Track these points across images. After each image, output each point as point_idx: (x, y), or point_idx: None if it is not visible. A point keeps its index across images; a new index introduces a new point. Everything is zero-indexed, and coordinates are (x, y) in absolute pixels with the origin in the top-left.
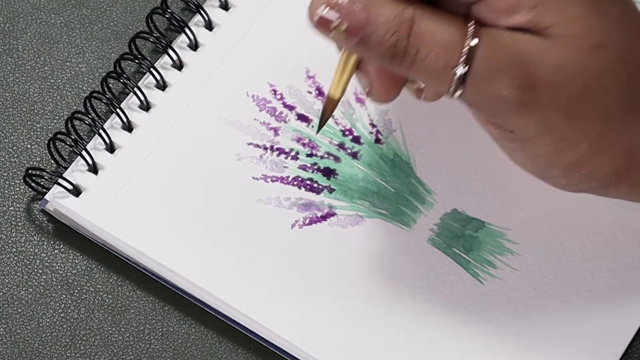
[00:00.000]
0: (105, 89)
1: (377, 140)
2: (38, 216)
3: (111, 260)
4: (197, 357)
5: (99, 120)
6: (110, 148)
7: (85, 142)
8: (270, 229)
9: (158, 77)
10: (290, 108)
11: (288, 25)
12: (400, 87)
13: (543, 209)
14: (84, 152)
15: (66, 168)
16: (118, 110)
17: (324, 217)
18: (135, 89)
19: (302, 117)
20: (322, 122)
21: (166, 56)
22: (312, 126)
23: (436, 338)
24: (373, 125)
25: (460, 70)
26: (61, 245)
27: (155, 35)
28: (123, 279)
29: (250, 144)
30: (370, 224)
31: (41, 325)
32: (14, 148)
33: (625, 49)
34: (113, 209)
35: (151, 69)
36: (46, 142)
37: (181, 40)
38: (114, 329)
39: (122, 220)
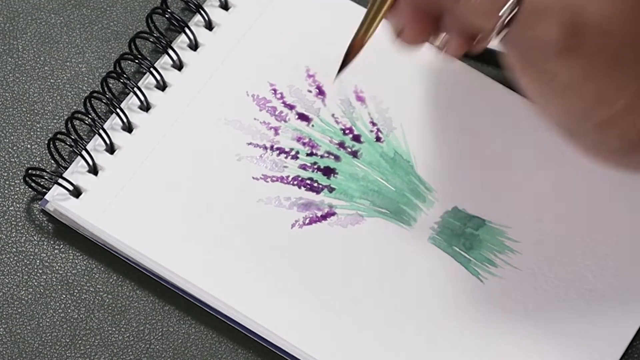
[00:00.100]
0: (105, 89)
1: (378, 139)
2: (38, 216)
3: (111, 260)
4: (197, 357)
5: (99, 121)
6: (110, 149)
7: (85, 142)
8: (270, 229)
9: (158, 77)
10: (291, 107)
11: (288, 25)
12: (430, 31)
13: (543, 207)
14: (84, 152)
15: (66, 168)
16: (118, 110)
17: (324, 217)
18: (135, 89)
19: (302, 116)
20: (344, 65)
21: (166, 56)
22: (313, 125)
23: (436, 337)
24: (373, 124)
25: (510, 8)
26: (61, 245)
27: (155, 35)
28: (123, 279)
29: (250, 143)
30: (371, 223)
31: (41, 325)
32: (14, 148)
33: None
34: (113, 210)
35: (151, 69)
36: (46, 142)
37: (181, 40)
38: (114, 329)
39: (122, 221)
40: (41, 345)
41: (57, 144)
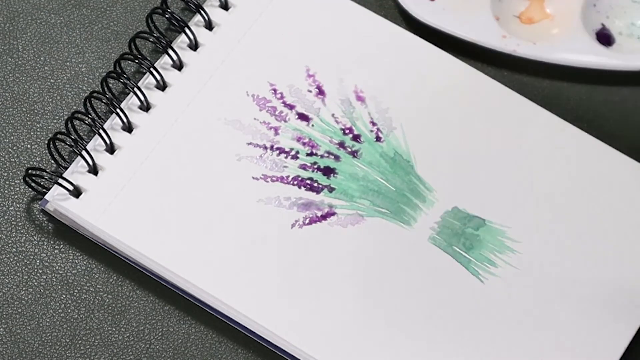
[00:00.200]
0: (105, 89)
1: (378, 139)
2: (38, 216)
3: (111, 260)
4: (197, 357)
5: (99, 121)
6: (110, 149)
7: (86, 142)
8: (270, 229)
9: (158, 77)
10: (291, 107)
11: (288, 25)
12: None
13: (543, 207)
14: (84, 152)
15: (66, 168)
16: (118, 110)
17: (324, 217)
18: (135, 89)
19: (302, 116)
20: None
21: (166, 56)
22: (313, 125)
23: (436, 337)
24: (373, 124)
25: None
26: (61, 245)
27: (155, 35)
28: (123, 279)
29: (250, 143)
30: (371, 223)
31: (41, 325)
32: (14, 148)
33: None
34: (113, 210)
35: (151, 69)
36: (46, 142)
37: (181, 40)
38: (114, 329)
39: (122, 221)
40: (41, 345)
41: (57, 144)
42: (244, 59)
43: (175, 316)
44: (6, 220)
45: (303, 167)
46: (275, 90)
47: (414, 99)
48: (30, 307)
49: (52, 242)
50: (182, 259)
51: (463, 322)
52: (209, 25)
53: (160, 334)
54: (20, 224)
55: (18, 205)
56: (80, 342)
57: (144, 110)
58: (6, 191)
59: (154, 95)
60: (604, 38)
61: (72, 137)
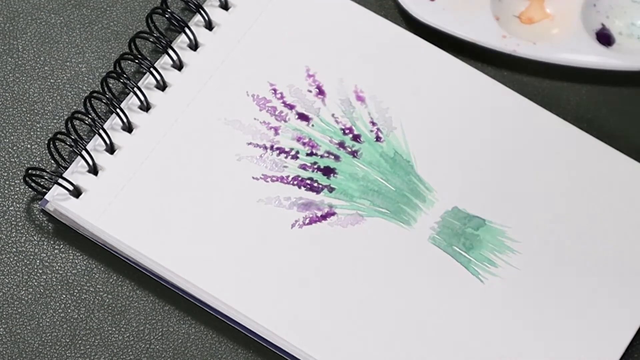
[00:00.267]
0: (105, 89)
1: (378, 139)
2: (38, 216)
3: (111, 260)
4: (197, 357)
5: (99, 121)
6: (110, 149)
7: (86, 142)
8: (270, 229)
9: (158, 77)
10: (291, 107)
11: (288, 25)
12: None
13: (543, 207)
14: (84, 152)
15: (66, 168)
16: (118, 110)
17: (324, 217)
18: (135, 89)
19: (302, 116)
20: None
21: (166, 56)
22: (313, 125)
23: (436, 337)
24: (373, 124)
25: None
26: (61, 245)
27: (155, 35)
28: (123, 279)
29: (250, 143)
30: (371, 223)
31: (41, 325)
32: (14, 148)
33: None
34: (113, 210)
35: (151, 69)
36: (46, 142)
37: (181, 40)
38: (114, 329)
39: (122, 221)
40: (41, 345)
41: (57, 144)
42: (244, 59)
43: (175, 316)
44: (6, 220)
45: (303, 167)
46: (275, 90)
47: (414, 99)
48: (30, 307)
49: (52, 242)
50: (182, 259)
51: (463, 322)
52: (209, 25)
53: (160, 334)
54: (20, 224)
55: (18, 205)
56: (80, 342)
57: (144, 110)
58: (6, 191)
59: (154, 95)
60: (604, 38)
61: (72, 137)
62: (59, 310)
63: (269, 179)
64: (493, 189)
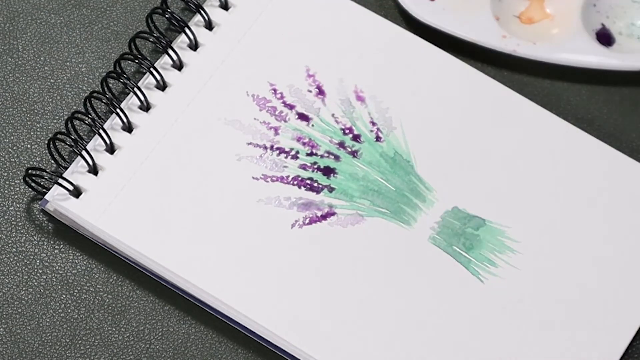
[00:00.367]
0: (105, 89)
1: (378, 139)
2: (38, 216)
3: (111, 260)
4: (197, 357)
5: (99, 121)
6: (110, 149)
7: (86, 142)
8: (270, 229)
9: (158, 77)
10: (291, 107)
11: (288, 25)
12: None
13: (543, 207)
14: (84, 152)
15: (66, 168)
16: (118, 110)
17: (324, 217)
18: (135, 89)
19: (302, 116)
20: None
21: (166, 56)
22: (313, 125)
23: (436, 337)
24: (373, 124)
25: None
26: (61, 245)
27: (155, 35)
28: (123, 279)
29: (250, 143)
30: (371, 223)
31: (41, 325)
32: (14, 148)
33: None
34: (113, 210)
35: (151, 69)
36: (46, 142)
37: (181, 40)
38: (114, 329)
39: (122, 221)
40: (41, 345)
41: (57, 144)
42: (244, 59)
43: (175, 316)
44: (6, 220)
45: (303, 167)
46: (275, 90)
47: (414, 99)
48: (30, 307)
49: (52, 242)
50: (182, 259)
51: (463, 322)
52: (209, 25)
53: (160, 334)
54: (20, 224)
55: (18, 205)
56: (80, 342)
57: (144, 110)
58: (6, 191)
59: (154, 95)
60: (604, 38)
61: (72, 137)
62: (59, 310)
63: (269, 179)
64: (493, 189)
